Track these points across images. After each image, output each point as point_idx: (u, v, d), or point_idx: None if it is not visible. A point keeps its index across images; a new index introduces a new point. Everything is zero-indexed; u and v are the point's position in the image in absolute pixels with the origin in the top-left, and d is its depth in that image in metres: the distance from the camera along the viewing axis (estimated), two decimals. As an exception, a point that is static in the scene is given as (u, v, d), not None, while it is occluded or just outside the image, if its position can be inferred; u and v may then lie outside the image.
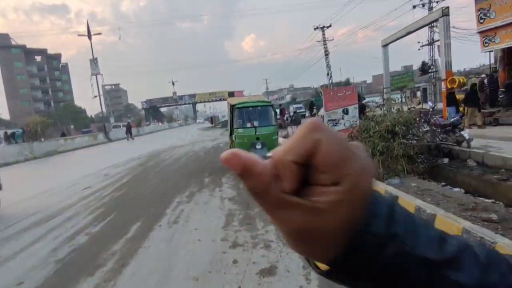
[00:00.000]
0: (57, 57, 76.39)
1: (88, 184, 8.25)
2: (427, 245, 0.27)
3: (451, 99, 10.31)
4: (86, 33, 29.77)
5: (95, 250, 3.88)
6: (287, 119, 21.72)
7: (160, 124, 58.99)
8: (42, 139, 23.60)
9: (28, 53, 67.51)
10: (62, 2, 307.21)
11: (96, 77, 30.66)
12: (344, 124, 9.30)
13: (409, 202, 3.95)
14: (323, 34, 32.43)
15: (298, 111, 27.17)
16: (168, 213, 5.14)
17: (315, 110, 24.29)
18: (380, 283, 0.27)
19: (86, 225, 4.95)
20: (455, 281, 0.27)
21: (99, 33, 33.43)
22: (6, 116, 65.80)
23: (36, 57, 70.41)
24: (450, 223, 3.19)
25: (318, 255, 0.28)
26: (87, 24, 29.87)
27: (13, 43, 66.01)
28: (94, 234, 4.50)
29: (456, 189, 5.47)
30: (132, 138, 29.22)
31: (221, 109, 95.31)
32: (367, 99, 26.42)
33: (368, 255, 0.26)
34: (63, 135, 31.40)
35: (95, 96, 31.08)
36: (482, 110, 10.55)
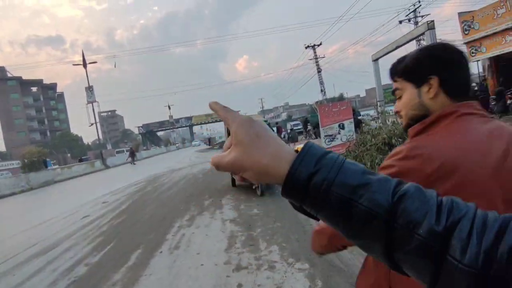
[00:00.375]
0: (53, 86, 77.12)
1: (87, 213, 8.13)
2: (349, 175, 0.38)
3: None
4: (82, 62, 30.30)
5: (95, 281, 3.77)
6: (284, 136, 21.85)
7: (157, 148, 59.09)
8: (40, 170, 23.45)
9: (24, 84, 68.16)
10: (57, 34, 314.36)
11: (92, 105, 30.98)
12: (341, 139, 9.36)
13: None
14: (314, 52, 33.13)
15: (294, 128, 27.42)
16: (169, 238, 5.04)
17: (309, 127, 24.48)
18: (317, 201, 0.38)
19: (86, 255, 4.84)
20: (371, 198, 0.36)
21: (94, 62, 34.13)
22: (1, 147, 65.60)
23: (32, 88, 71.02)
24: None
25: (271, 180, 0.41)
26: (82, 53, 30.50)
27: (9, 75, 66.78)
28: (93, 264, 4.39)
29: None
30: (134, 163, 29.01)
31: (218, 130, 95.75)
32: (362, 115, 26.70)
33: (302, 181, 0.38)
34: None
35: (92, 124, 31.24)
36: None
